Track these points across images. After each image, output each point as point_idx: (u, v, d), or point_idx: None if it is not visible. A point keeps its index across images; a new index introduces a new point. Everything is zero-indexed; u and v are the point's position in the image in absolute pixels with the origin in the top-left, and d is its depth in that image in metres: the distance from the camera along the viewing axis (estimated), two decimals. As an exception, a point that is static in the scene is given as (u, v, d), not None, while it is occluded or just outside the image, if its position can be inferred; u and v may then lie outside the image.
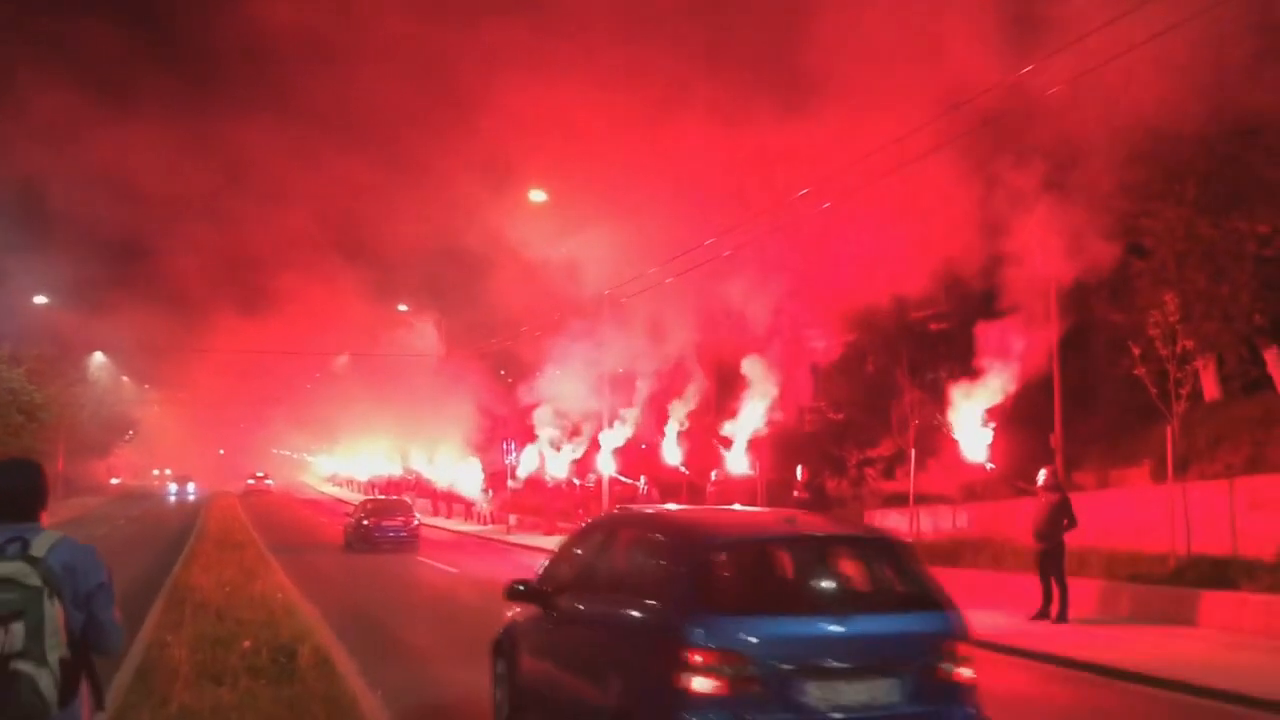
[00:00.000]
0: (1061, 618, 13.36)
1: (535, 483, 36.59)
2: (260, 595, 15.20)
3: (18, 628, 3.86)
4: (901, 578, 6.26)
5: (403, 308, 54.37)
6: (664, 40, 28.42)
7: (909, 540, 7.72)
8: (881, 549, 6.54)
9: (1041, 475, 14.18)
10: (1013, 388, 17.68)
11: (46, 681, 3.88)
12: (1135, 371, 14.34)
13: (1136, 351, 14.19)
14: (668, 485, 29.58)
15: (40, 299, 49.14)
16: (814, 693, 5.49)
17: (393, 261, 51.32)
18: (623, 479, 28.63)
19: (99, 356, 61.78)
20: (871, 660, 5.71)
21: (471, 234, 35.81)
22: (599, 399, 32.51)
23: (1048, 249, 18.14)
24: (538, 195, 33.72)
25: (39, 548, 4.00)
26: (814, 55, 22.77)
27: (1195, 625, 12.54)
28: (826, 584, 6.37)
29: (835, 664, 5.62)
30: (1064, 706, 10.14)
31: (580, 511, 29.12)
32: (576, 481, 31.53)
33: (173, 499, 73.04)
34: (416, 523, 30.54)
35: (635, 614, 6.24)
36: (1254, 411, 21.16)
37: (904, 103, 19.96)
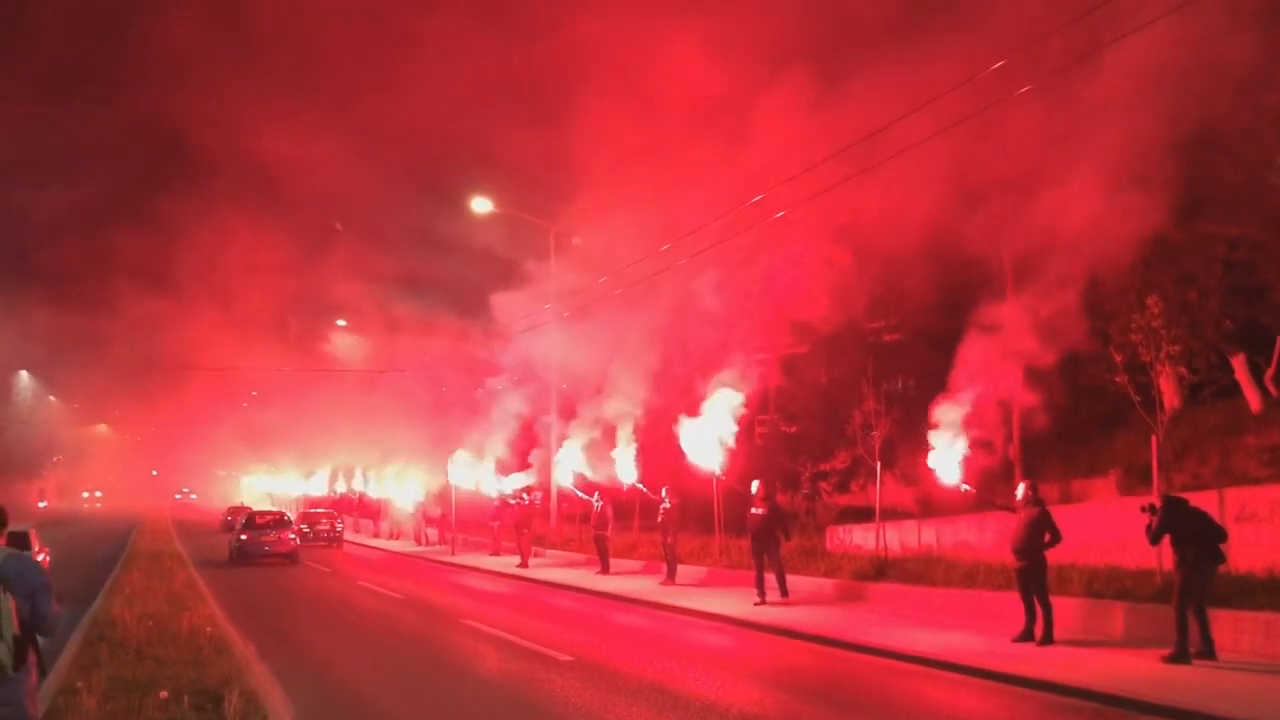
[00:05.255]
0: (1047, 639, 12.67)
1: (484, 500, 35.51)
2: (188, 630, 14.05)
3: None
4: (288, 524, 34.42)
5: (341, 322, 52.91)
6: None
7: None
8: (284, 517, 35.87)
9: (1020, 489, 13.52)
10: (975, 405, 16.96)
11: (4, 651, 5.52)
12: (1116, 379, 13.70)
13: (1119, 359, 13.56)
14: (624, 503, 28.65)
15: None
16: (261, 538, 32.17)
17: (338, 269, 49.51)
18: (579, 494, 27.67)
19: (24, 376, 59.53)
20: (275, 531, 32.61)
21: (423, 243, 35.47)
22: (548, 413, 31.60)
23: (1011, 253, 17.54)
24: (482, 204, 32.75)
25: None
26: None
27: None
28: (273, 522, 33.81)
29: (264, 533, 32.46)
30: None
31: (523, 531, 28.12)
32: (525, 498, 30.42)
33: None
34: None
35: (237, 526, 35.01)
36: (1220, 420, 20.82)
37: (858, 105, 19.41)
